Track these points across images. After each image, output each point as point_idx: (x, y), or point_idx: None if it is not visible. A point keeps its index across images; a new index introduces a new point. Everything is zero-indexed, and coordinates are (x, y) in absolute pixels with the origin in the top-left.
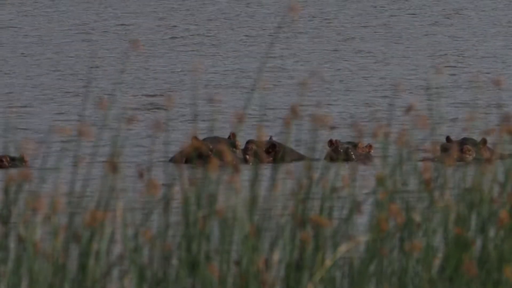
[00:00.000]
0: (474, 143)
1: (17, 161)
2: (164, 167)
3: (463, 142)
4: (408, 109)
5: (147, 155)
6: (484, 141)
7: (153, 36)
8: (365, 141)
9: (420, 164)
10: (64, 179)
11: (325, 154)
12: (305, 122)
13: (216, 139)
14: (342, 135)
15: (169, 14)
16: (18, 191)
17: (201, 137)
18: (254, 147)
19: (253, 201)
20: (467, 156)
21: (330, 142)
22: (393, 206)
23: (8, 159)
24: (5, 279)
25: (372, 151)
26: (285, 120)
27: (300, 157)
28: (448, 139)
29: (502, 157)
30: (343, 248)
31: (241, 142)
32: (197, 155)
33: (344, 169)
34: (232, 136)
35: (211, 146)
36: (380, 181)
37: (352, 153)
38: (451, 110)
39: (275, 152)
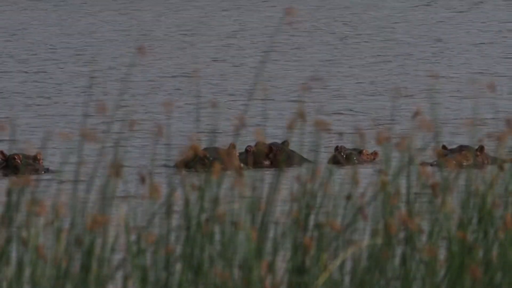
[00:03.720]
0: (471, 150)
1: (30, 160)
2: (166, 171)
3: (460, 149)
4: (415, 114)
5: (150, 159)
6: (481, 148)
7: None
8: (372, 148)
9: (422, 168)
10: (67, 183)
11: (328, 159)
12: (311, 127)
13: (215, 150)
14: (352, 141)
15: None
16: (21, 195)
17: (202, 146)
18: (253, 149)
19: (255, 205)
20: (464, 162)
21: (336, 148)
22: (403, 213)
23: (21, 157)
24: (8, 283)
25: (377, 158)
26: (288, 124)
27: (303, 161)
28: (443, 147)
29: (504, 162)
30: (346, 253)
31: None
32: (197, 162)
33: (346, 173)
34: (232, 146)
35: (209, 156)
36: (384, 185)
37: (355, 158)
38: (451, 115)
39: (274, 155)
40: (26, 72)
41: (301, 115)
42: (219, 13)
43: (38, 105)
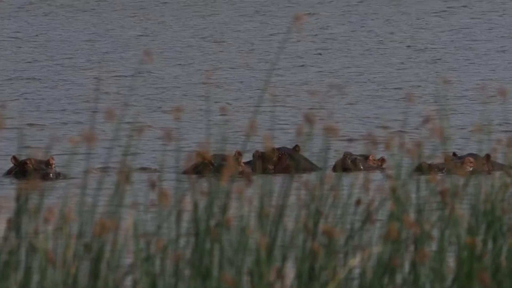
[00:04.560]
0: (478, 158)
1: (43, 165)
2: (175, 177)
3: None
4: (425, 120)
5: (159, 165)
6: (487, 157)
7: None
8: (380, 154)
9: (431, 175)
10: (75, 188)
11: (334, 165)
12: (319, 133)
13: (221, 157)
14: (360, 147)
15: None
16: (30, 200)
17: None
18: (258, 153)
19: (263, 211)
20: (468, 167)
21: (344, 154)
22: (407, 218)
23: (33, 162)
24: None
25: (384, 164)
26: (298, 129)
27: (311, 167)
28: (454, 154)
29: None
30: (355, 259)
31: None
32: (203, 168)
33: (352, 179)
34: (238, 154)
35: (214, 162)
36: (393, 191)
37: (360, 164)
38: (462, 122)
39: (278, 159)
40: (55, 78)
41: (310, 121)
42: (238, 19)
43: (64, 110)
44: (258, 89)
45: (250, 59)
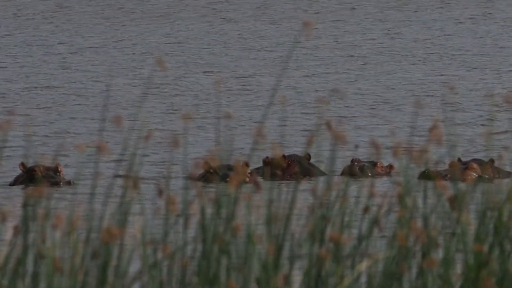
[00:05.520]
0: (482, 164)
1: (51, 172)
2: (183, 184)
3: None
4: (433, 127)
5: (166, 171)
6: (491, 162)
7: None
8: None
9: (438, 182)
10: (83, 195)
11: (342, 171)
12: (328, 140)
13: (227, 167)
14: (368, 154)
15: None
16: (37, 207)
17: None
18: (269, 159)
19: (271, 217)
20: (472, 174)
21: (352, 160)
22: (414, 224)
23: (41, 169)
24: None
25: (392, 171)
26: (308, 137)
27: (320, 174)
28: (459, 160)
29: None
30: (362, 265)
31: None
32: (208, 176)
33: (360, 185)
34: (244, 164)
35: (218, 171)
36: (400, 198)
37: (368, 171)
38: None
39: (287, 165)
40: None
41: (328, 127)
42: (243, 23)
43: (74, 118)
44: (267, 95)
45: (259, 64)
